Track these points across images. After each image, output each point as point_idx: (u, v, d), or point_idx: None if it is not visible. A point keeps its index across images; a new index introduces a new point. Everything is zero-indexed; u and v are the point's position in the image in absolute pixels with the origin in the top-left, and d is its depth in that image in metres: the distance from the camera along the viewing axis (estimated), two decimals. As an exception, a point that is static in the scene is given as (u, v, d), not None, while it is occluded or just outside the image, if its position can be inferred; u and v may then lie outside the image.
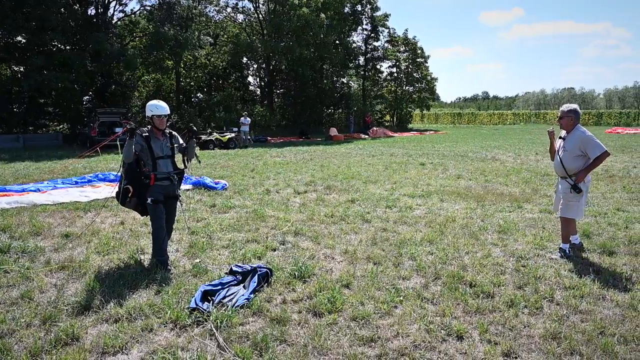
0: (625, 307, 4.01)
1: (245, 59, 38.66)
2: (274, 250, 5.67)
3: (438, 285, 4.54)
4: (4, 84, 25.73)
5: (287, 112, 41.05)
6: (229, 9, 39.32)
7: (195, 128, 5.40)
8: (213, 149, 21.70)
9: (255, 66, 41.46)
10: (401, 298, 4.20)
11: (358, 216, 7.36)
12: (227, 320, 3.70)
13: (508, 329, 3.64)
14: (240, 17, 40.15)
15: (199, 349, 3.32)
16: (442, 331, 3.60)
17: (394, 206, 8.19)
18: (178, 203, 5.34)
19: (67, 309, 3.94)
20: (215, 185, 9.98)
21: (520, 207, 8.11)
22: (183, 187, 9.50)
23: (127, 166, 4.92)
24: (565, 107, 5.42)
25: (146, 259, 5.29)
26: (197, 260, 5.24)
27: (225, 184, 10.22)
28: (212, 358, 3.17)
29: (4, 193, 8.98)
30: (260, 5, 37.52)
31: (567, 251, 5.40)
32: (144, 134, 4.93)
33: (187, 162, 5.34)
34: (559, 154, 5.41)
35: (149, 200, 4.91)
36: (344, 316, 3.86)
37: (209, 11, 37.58)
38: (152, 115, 4.97)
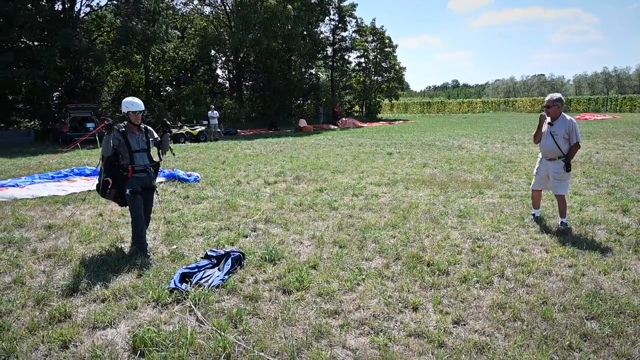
0: (568, 280, 4.46)
1: (213, 52, 38.34)
2: (246, 236, 5.97)
3: (398, 265, 4.94)
4: None
5: (257, 105, 41.01)
6: (195, 2, 38.92)
7: (168, 123, 5.75)
8: (184, 142, 21.65)
9: (223, 59, 41.17)
10: (363, 276, 4.58)
11: (325, 204, 7.72)
12: (204, 298, 4.03)
13: (459, 301, 4.06)
14: (207, 9, 39.82)
15: (179, 323, 3.63)
16: (400, 304, 4.00)
17: (360, 194, 8.58)
18: (155, 194, 5.69)
19: (57, 292, 4.25)
20: (187, 178, 10.16)
21: (481, 193, 8.63)
22: (157, 179, 9.67)
23: (106, 160, 5.19)
24: (552, 96, 6.15)
25: (126, 246, 5.55)
26: (174, 247, 5.53)
27: (198, 176, 10.41)
28: (191, 329, 3.47)
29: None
30: (228, -3, 37.22)
31: (567, 224, 6.15)
32: (120, 129, 5.21)
33: (162, 154, 5.66)
34: (548, 138, 6.11)
35: (127, 192, 5.20)
36: (311, 293, 4.21)
37: (176, 4, 37.06)
38: (128, 112, 5.26)
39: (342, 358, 3.21)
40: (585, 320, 3.65)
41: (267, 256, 5.06)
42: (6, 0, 22.65)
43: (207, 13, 39.83)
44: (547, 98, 6.27)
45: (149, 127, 5.60)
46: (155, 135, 5.63)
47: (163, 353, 3.18)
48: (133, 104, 5.29)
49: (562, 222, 6.21)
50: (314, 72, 46.11)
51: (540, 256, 5.16)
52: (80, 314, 3.82)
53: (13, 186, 9.38)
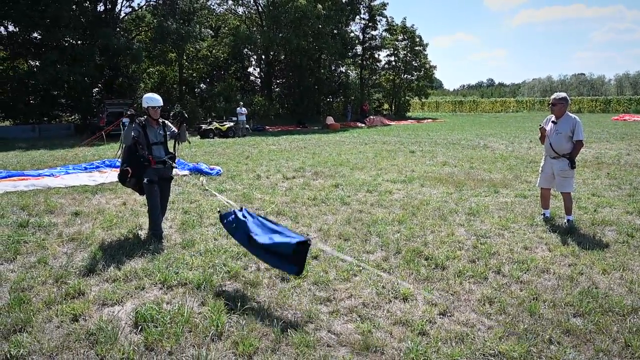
0: (564, 278, 4.45)
1: (245, 50, 38.95)
2: (256, 228, 6.19)
3: (397, 259, 5.04)
4: (21, 77, 26.98)
5: (286, 102, 41.43)
6: (229, 2, 39.60)
7: (185, 114, 6.17)
8: (213, 138, 22.20)
9: (254, 57, 41.77)
10: (361, 268, 4.71)
11: (338, 199, 7.86)
12: (206, 281, 4.26)
13: (450, 294, 4.14)
14: (241, 9, 40.43)
15: (180, 303, 3.89)
16: (391, 294, 4.11)
17: (375, 190, 8.67)
18: (172, 184, 6.18)
19: (75, 272, 4.62)
20: (210, 171, 10.53)
21: (496, 192, 8.56)
22: (181, 172, 10.06)
23: (126, 150, 5.55)
24: (557, 95, 6.28)
25: (143, 234, 5.90)
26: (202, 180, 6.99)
27: (220, 170, 10.77)
28: (189, 310, 3.71)
29: (23, 177, 9.91)
30: (260, -3, 37.74)
31: (573, 221, 6.20)
32: (141, 123, 5.59)
33: (179, 144, 6.02)
34: (552, 136, 6.17)
35: (145, 181, 5.53)
36: (308, 281, 4.38)
37: (211, 4, 37.86)
38: (148, 107, 5.63)
39: (326, 341, 3.36)
40: (571, 317, 3.67)
41: (272, 246, 5.26)
42: (52, 2, 23.88)
43: (240, 13, 40.49)
44: (552, 96, 6.33)
45: (166, 121, 5.94)
46: (173, 128, 5.96)
47: (160, 329, 3.43)
48: (152, 99, 5.68)
49: (568, 219, 6.18)
50: (343, 70, 46.13)
51: (541, 254, 5.14)
52: (92, 292, 4.14)
53: (49, 176, 10.04)
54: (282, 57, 38.24)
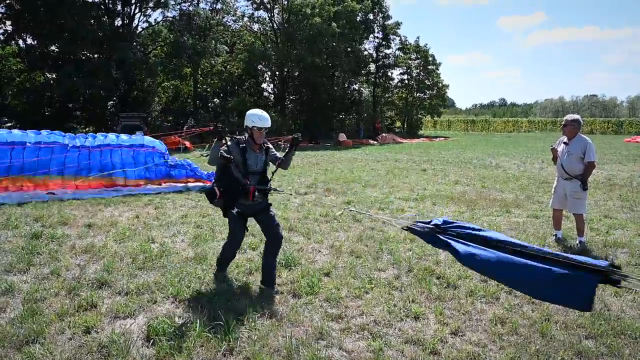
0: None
1: (259, 66, 39.54)
2: (268, 243, 6.23)
3: (409, 277, 5.04)
4: (38, 89, 27.66)
5: (299, 118, 41.77)
6: (245, 19, 40.34)
7: (299, 138, 4.84)
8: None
9: (269, 73, 42.33)
10: (372, 285, 4.73)
11: (350, 216, 7.89)
12: (218, 296, 4.31)
13: (462, 314, 4.14)
14: (256, 26, 41.13)
15: (192, 317, 3.93)
16: (402, 312, 4.12)
17: (387, 208, 8.70)
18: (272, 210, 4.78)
19: (87, 284, 4.65)
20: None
21: (508, 212, 8.53)
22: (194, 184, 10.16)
23: (222, 167, 4.39)
24: (570, 117, 6.36)
25: (155, 247, 5.95)
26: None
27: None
28: (201, 322, 3.75)
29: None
30: (275, 15, 38.43)
31: (585, 243, 6.20)
32: (241, 144, 4.42)
33: (283, 167, 4.86)
34: (564, 157, 6.24)
35: (234, 211, 4.47)
36: (319, 298, 4.40)
37: (227, 21, 38.64)
38: (254, 127, 4.39)
39: (337, 359, 3.38)
40: (583, 339, 3.65)
41: (283, 262, 5.30)
42: (71, 17, 24.57)
43: (256, 30, 41.23)
44: (565, 117, 6.41)
45: (270, 146, 4.71)
46: (276, 154, 4.75)
47: (172, 342, 3.47)
48: (261, 118, 4.42)
49: (580, 241, 6.17)
50: (356, 88, 46.49)
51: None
52: (105, 305, 4.18)
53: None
54: (296, 73, 38.70)
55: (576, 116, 6.38)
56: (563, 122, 6.40)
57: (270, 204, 4.73)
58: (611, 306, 4.29)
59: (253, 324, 3.82)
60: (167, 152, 11.21)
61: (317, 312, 4.12)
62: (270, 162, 4.70)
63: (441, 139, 41.55)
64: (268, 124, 4.46)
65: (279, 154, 4.79)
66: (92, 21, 26.85)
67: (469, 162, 18.30)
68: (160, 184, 10.64)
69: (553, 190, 6.61)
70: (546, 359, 3.34)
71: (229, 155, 4.23)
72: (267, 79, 43.75)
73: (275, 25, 38.57)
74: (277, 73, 39.91)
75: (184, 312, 4.07)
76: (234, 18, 39.49)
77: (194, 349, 3.44)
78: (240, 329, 3.74)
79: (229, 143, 4.38)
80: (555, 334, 3.75)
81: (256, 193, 4.44)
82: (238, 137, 4.50)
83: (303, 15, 34.08)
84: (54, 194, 9.16)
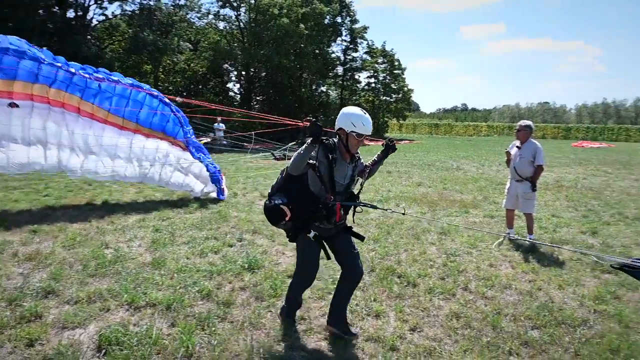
0: (524, 293, 4.72)
1: (225, 66, 39.11)
2: (231, 246, 6.20)
3: (372, 277, 5.15)
4: None
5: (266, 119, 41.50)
6: (210, 16, 39.80)
7: (393, 141, 4.00)
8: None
9: (235, 73, 41.95)
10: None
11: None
12: (177, 302, 4.24)
13: (420, 310, 4.29)
14: (222, 24, 40.65)
15: (148, 324, 3.85)
16: (364, 311, 4.22)
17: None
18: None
19: (31, 293, 4.37)
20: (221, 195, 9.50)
21: (467, 212, 8.84)
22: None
23: (287, 177, 3.53)
24: (522, 122, 6.81)
25: (109, 252, 5.73)
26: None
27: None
28: (157, 332, 3.69)
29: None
30: (242, 14, 38.15)
31: (534, 239, 6.57)
32: (330, 152, 3.45)
33: (364, 179, 3.88)
34: (516, 160, 6.65)
35: (311, 235, 3.57)
36: (282, 300, 4.42)
37: (191, 17, 38.03)
38: (352, 132, 3.46)
39: None
40: (529, 329, 3.91)
41: (246, 265, 5.30)
42: (19, 5, 23.00)
43: (221, 28, 40.75)
44: (518, 123, 6.81)
45: (360, 156, 3.82)
46: (364, 164, 3.88)
47: (126, 352, 3.39)
48: (365, 122, 3.47)
49: (530, 238, 6.55)
50: (324, 90, 46.74)
51: (505, 271, 5.38)
52: (51, 315, 3.94)
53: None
54: (263, 74, 38.52)
55: (528, 122, 6.79)
56: (517, 128, 6.79)
57: (351, 227, 3.83)
58: (555, 298, 4.59)
59: (213, 328, 3.80)
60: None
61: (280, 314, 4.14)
62: (359, 175, 3.78)
63: (406, 141, 42.30)
64: (370, 129, 3.51)
65: (368, 162, 3.87)
66: (40, 11, 25.27)
67: (432, 164, 18.75)
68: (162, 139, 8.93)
69: (506, 191, 6.97)
70: (496, 350, 3.54)
71: (315, 162, 3.37)
72: (233, 78, 43.37)
73: (241, 24, 38.28)
74: (243, 73, 39.58)
75: (140, 320, 3.96)
76: (198, 15, 38.92)
77: (149, 357, 3.38)
78: (199, 334, 3.72)
79: (317, 148, 3.38)
80: (504, 326, 3.97)
81: (342, 212, 3.59)
82: (328, 141, 3.49)
83: (270, 15, 33.99)
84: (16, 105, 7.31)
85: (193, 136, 9.39)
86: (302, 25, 34.24)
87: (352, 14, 44.16)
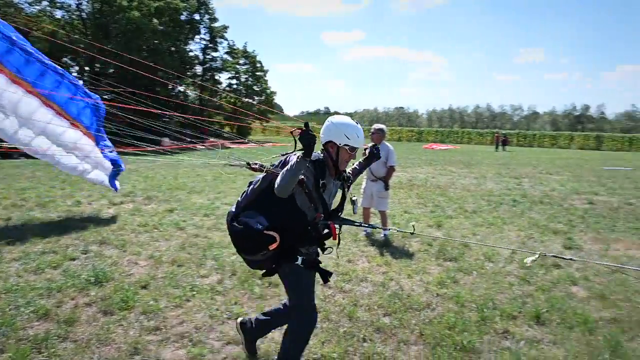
0: (378, 285, 5.18)
1: (64, 60, 35.09)
2: (73, 259, 5.65)
3: (233, 280, 5.17)
4: None
5: (116, 120, 38.43)
6: (44, 3, 35.40)
7: (377, 147, 3.59)
8: (18, 158, 19.31)
9: (77, 68, 37.95)
10: (194, 293, 4.72)
11: (172, 225, 7.66)
12: (7, 325, 3.75)
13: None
14: (59, 13, 36.47)
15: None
16: (224, 315, 4.23)
17: (212, 214, 8.68)
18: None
19: None
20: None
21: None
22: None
23: (264, 192, 3.00)
24: (376, 126, 7.35)
25: None
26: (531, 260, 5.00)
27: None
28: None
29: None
30: (84, 3, 34.72)
31: (388, 236, 7.18)
32: (318, 166, 3.05)
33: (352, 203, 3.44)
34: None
35: (299, 261, 3.04)
36: (135, 312, 4.21)
37: (19, 2, 33.33)
38: (345, 145, 3.04)
39: (153, 371, 3.31)
40: (381, 317, 4.31)
41: (92, 278, 4.89)
42: None
43: (59, 17, 36.51)
44: (373, 126, 7.43)
45: (347, 171, 3.34)
46: (351, 178, 3.39)
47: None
48: (359, 134, 3.09)
49: (384, 234, 7.23)
50: (182, 90, 44.93)
51: (362, 266, 5.85)
52: None
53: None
54: (111, 70, 35.53)
55: (382, 126, 7.44)
56: (371, 131, 7.40)
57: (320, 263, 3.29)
58: (404, 287, 5.13)
59: (53, 350, 3.46)
60: None
61: (132, 327, 3.93)
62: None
63: (270, 144, 43.04)
64: (363, 141, 3.15)
65: (348, 171, 3.41)
66: None
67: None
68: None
69: (362, 191, 7.57)
70: (351, 338, 3.85)
71: (303, 177, 2.91)
72: (75, 74, 39.15)
73: (83, 14, 34.81)
74: (86, 68, 36.02)
75: (-41, 349, 3.45)
76: (29, 0, 34.30)
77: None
78: (36, 357, 3.35)
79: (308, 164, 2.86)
80: (360, 315, 4.33)
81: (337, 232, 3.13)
82: (316, 156, 3.04)
83: (118, 7, 31.58)
84: None
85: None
86: (155, 20, 32.52)
87: (211, 11, 43.46)
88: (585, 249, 7.01)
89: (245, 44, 53.87)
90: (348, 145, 3.02)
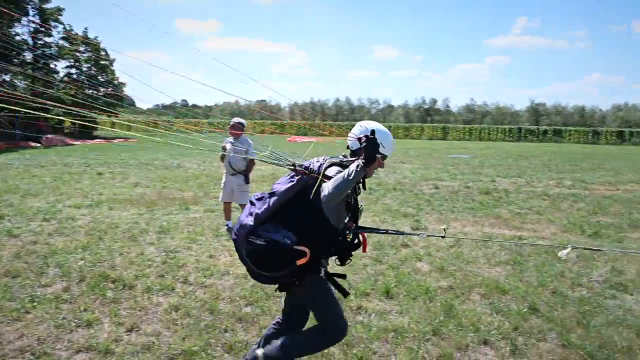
0: (240, 277, 5.29)
1: None
2: None
3: (81, 287, 4.87)
4: None
5: None
6: None
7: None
8: None
9: None
10: (35, 304, 4.35)
11: (4, 233, 6.82)
12: None
13: (138, 310, 4.35)
14: None
15: None
16: (73, 324, 4.00)
17: (53, 218, 7.92)
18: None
19: None
20: None
21: (187, 209, 9.18)
22: None
23: (295, 203, 2.87)
24: (235, 119, 7.42)
25: None
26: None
27: None
28: None
29: None
30: None
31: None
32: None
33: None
34: (230, 155, 7.20)
35: (322, 274, 2.97)
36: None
37: None
38: (381, 155, 2.97)
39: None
40: (244, 307, 4.49)
41: None
42: None
43: None
44: (232, 120, 7.54)
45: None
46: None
47: None
48: (394, 141, 3.12)
49: (229, 225, 7.40)
50: (7, 79, 39.06)
51: (224, 260, 5.96)
52: None
53: None
54: None
55: (241, 120, 7.56)
56: (230, 124, 7.48)
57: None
58: (265, 275, 5.38)
59: None
60: None
61: (-46, 350, 3.51)
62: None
63: (121, 140, 39.95)
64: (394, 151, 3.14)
65: None
66: None
67: (150, 163, 18.46)
68: None
69: (222, 185, 7.63)
70: (213, 330, 3.96)
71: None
72: None
73: None
74: None
75: None
76: None
77: None
78: None
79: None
80: (222, 308, 4.46)
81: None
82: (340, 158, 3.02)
83: None
84: None
85: None
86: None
87: (41, -10, 38.46)
88: (429, 228, 8.09)
89: (86, 29, 48.92)
90: (381, 154, 2.93)
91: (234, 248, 6.34)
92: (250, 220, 2.83)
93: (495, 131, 65.19)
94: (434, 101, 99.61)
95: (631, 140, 58.72)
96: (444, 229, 3.31)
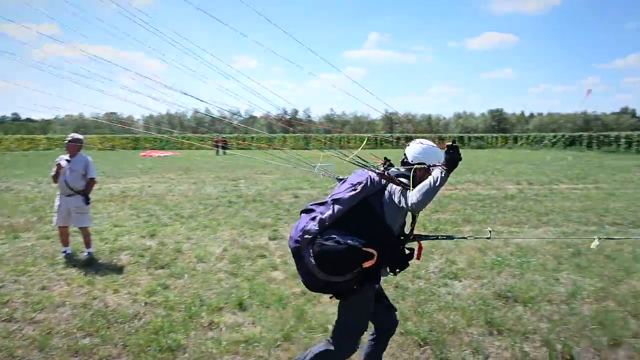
0: (79, 307, 4.92)
1: None
2: None
3: None
4: None
5: None
6: None
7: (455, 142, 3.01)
8: None
9: None
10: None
11: None
12: None
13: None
14: None
15: None
16: None
17: None
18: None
19: None
20: None
21: (17, 237, 8.14)
22: None
23: (359, 210, 2.99)
24: (72, 135, 7.01)
25: None
26: None
27: None
28: None
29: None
30: None
31: (92, 253, 6.84)
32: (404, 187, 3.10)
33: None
34: (67, 174, 6.65)
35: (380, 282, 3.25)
36: None
37: None
38: (432, 166, 3.07)
39: None
40: (81, 339, 4.18)
41: None
42: None
43: None
44: (70, 135, 7.02)
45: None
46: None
47: None
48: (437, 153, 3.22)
49: (88, 252, 6.83)
50: None
51: (59, 290, 5.45)
52: None
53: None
54: None
55: (79, 135, 7.06)
56: (66, 140, 6.88)
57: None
58: (109, 303, 5.07)
59: None
60: None
61: None
62: None
63: None
64: None
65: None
66: None
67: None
68: None
69: (56, 208, 6.90)
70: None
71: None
72: None
73: None
74: None
75: None
76: None
77: None
78: None
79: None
80: (55, 343, 4.10)
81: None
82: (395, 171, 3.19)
83: None
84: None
85: None
86: None
87: None
88: (286, 237, 8.32)
89: None
90: (430, 165, 3.12)
91: (74, 276, 5.87)
92: (315, 225, 2.96)
93: (354, 139, 69.78)
94: (296, 111, 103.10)
95: (470, 145, 67.35)
96: (490, 231, 3.63)
